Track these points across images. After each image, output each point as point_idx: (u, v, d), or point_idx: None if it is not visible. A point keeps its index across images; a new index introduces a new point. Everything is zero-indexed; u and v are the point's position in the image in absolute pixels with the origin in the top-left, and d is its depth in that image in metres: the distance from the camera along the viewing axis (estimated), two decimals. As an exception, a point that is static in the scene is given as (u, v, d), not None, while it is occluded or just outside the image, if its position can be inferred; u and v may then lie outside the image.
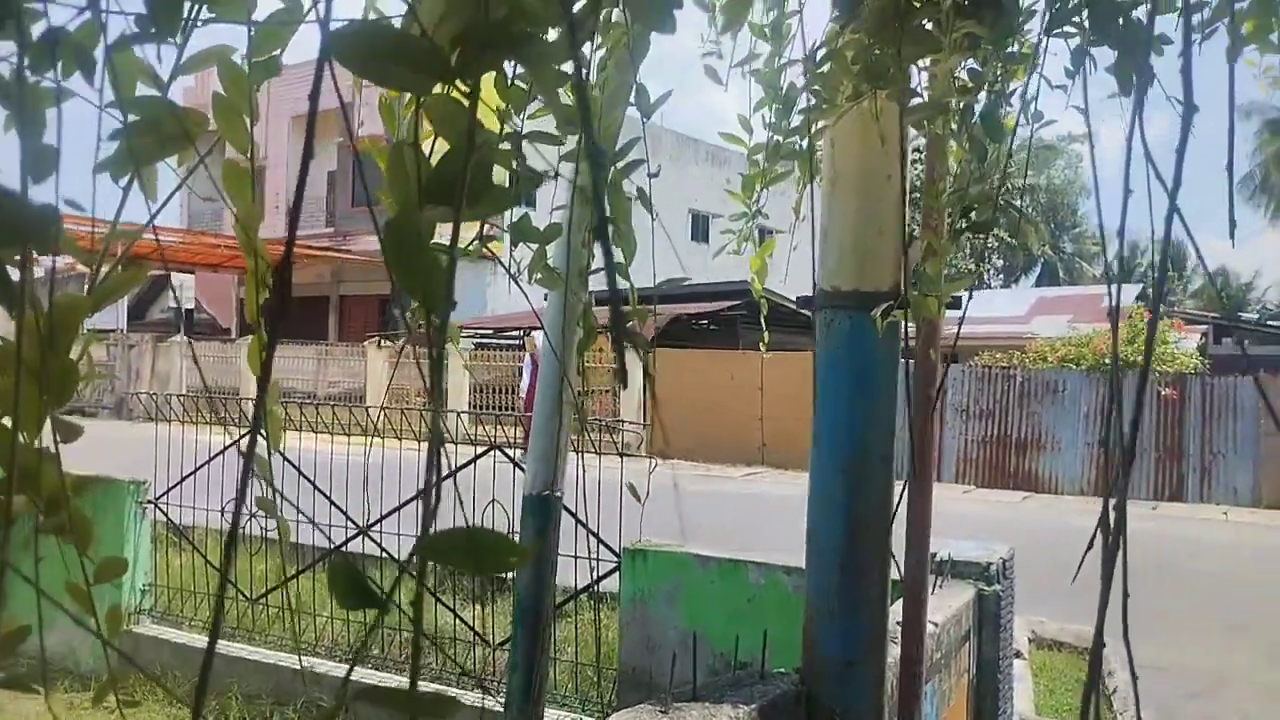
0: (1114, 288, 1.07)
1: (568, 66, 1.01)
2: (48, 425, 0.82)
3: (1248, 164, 36.77)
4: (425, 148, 0.79)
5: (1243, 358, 22.41)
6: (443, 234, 0.75)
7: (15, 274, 0.67)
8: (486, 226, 1.47)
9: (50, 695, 5.24)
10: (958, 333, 2.28)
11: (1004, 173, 1.88)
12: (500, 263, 1.59)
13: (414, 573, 0.62)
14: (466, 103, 0.68)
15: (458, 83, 0.65)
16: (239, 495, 0.67)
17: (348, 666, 5.22)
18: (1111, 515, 0.73)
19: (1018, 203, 2.19)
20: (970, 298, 2.01)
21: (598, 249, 1.83)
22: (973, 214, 1.78)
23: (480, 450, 5.33)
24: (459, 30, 0.71)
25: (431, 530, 0.62)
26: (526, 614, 1.81)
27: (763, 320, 2.68)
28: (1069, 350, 17.55)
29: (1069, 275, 45.11)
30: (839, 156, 2.48)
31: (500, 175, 0.92)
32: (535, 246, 1.58)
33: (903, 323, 2.41)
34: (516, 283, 1.65)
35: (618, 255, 1.67)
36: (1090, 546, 0.78)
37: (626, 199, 1.68)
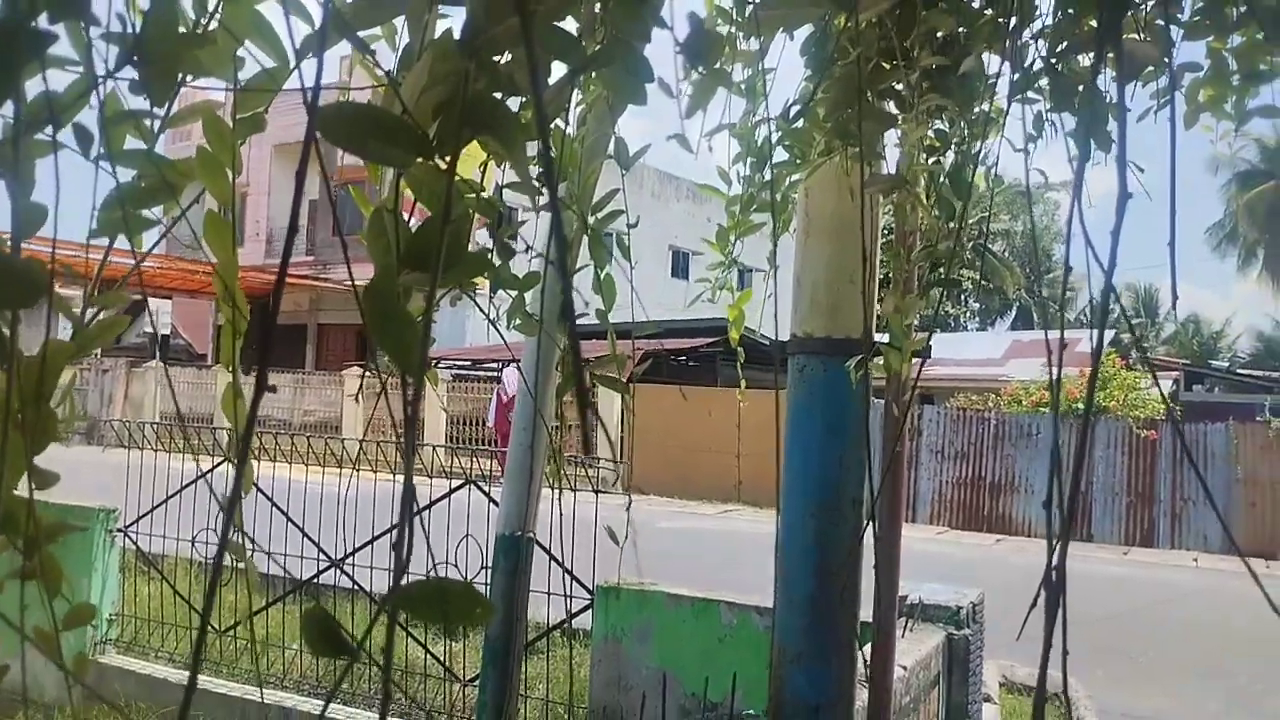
0: (1060, 345, 1.11)
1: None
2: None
3: (1218, 213, 37.50)
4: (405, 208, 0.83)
5: (1211, 405, 22.68)
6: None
7: (4, 329, 0.70)
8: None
9: (11, 727, 5.16)
10: (918, 374, 2.33)
11: (984, 223, 1.93)
12: (480, 308, 1.63)
13: (386, 620, 0.65)
14: (445, 171, 0.72)
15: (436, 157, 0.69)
16: (221, 541, 0.70)
17: (316, 703, 5.17)
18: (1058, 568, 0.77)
19: (994, 247, 2.25)
20: (930, 339, 2.06)
21: (575, 296, 1.87)
22: (941, 269, 1.83)
23: (455, 485, 5.32)
24: (440, 100, 0.75)
25: (404, 580, 0.65)
26: (497, 654, 1.83)
27: (738, 367, 2.73)
28: (1042, 395, 17.73)
29: (1044, 320, 45.54)
30: (813, 206, 2.54)
31: (478, 235, 0.96)
32: (514, 293, 1.62)
33: (869, 376, 2.47)
34: (494, 326, 1.69)
35: (598, 303, 1.71)
36: (1034, 604, 0.81)
37: (605, 248, 1.72)
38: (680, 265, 32.24)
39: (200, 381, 24.03)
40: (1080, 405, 16.36)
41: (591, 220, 1.65)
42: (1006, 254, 40.30)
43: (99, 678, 5.46)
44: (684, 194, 32.48)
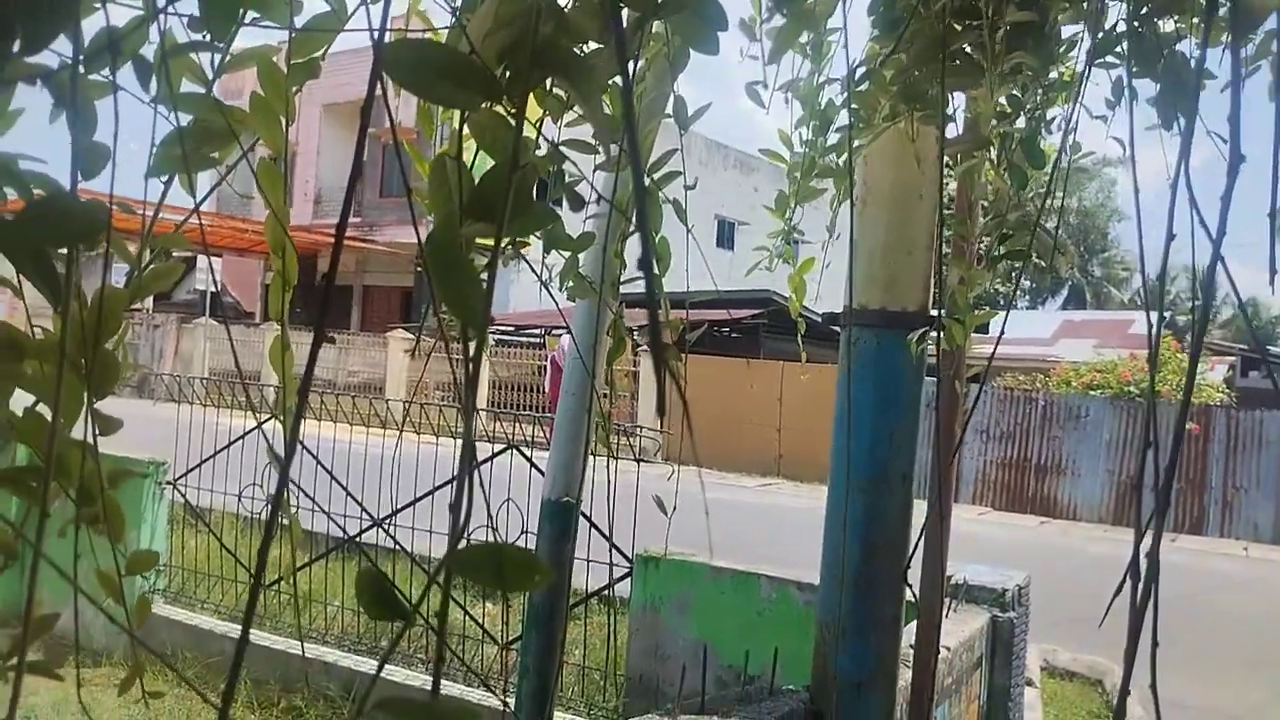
0: (1152, 326, 1.05)
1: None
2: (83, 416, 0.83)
3: (1284, 195, 36.33)
4: (466, 158, 0.79)
5: (1268, 392, 22.13)
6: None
7: (61, 268, 0.67)
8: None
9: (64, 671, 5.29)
10: (991, 358, 2.27)
11: (1044, 199, 1.86)
12: (532, 268, 1.59)
13: (440, 584, 0.62)
14: (512, 120, 0.68)
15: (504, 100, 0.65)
16: (275, 500, 0.67)
17: (356, 658, 5.24)
18: (1143, 562, 0.72)
19: (1049, 224, 2.17)
20: (1005, 322, 1.99)
21: (629, 259, 1.83)
22: (1009, 240, 1.77)
23: (498, 449, 5.33)
24: (506, 44, 0.71)
25: (461, 544, 0.62)
26: (540, 619, 1.81)
27: (798, 339, 2.68)
28: (1093, 376, 17.41)
29: (1096, 299, 44.78)
30: (872, 175, 2.47)
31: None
32: (567, 254, 1.58)
33: (929, 344, 2.40)
34: (547, 289, 1.65)
35: (656, 268, 1.66)
36: (1118, 593, 0.77)
37: (661, 209, 1.68)
38: (726, 235, 32.01)
39: (248, 339, 24.38)
40: (1133, 389, 16.04)
41: (649, 180, 1.60)
42: (1061, 232, 39.48)
43: (147, 627, 5.58)
44: (731, 163, 32.20)
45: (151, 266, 0.93)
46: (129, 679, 0.91)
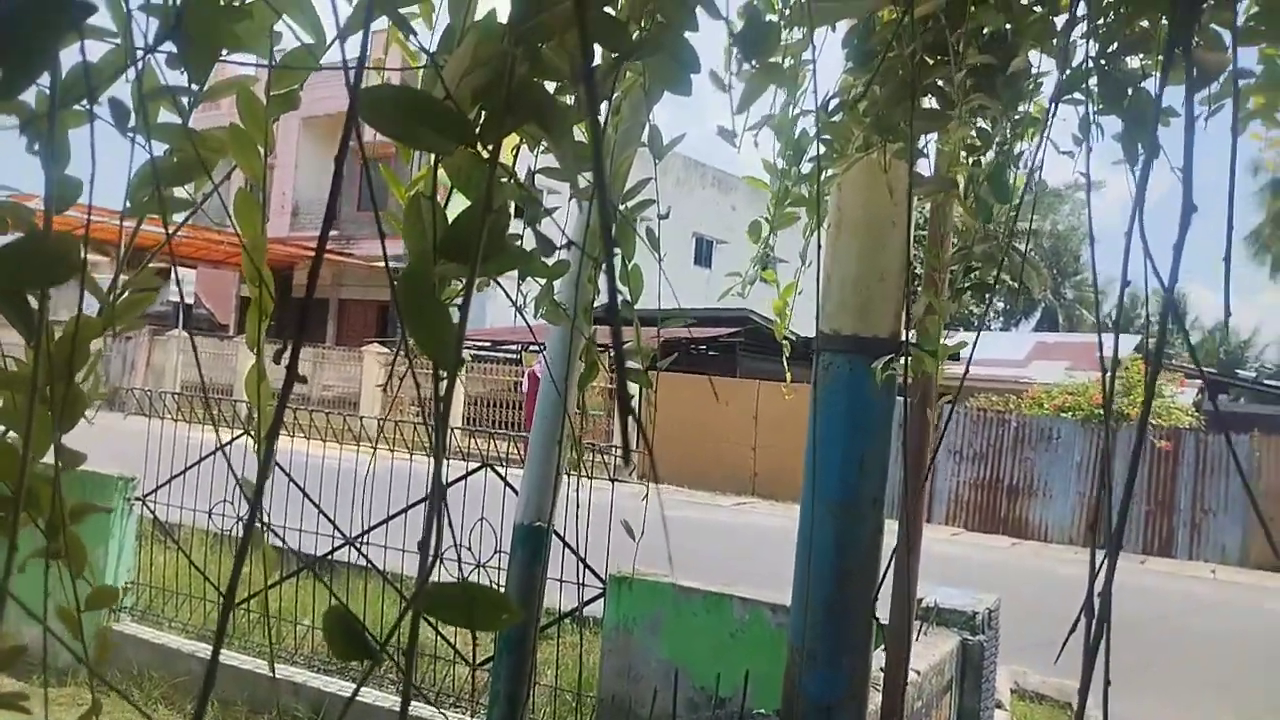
0: (1111, 340, 1.08)
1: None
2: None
3: (1255, 218, 36.92)
4: (440, 195, 0.80)
5: (1236, 415, 22.44)
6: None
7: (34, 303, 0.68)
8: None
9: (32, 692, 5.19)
10: (962, 379, 2.30)
11: (1012, 224, 1.89)
12: (507, 294, 1.60)
13: (409, 620, 0.63)
14: (486, 159, 0.70)
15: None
16: (248, 524, 0.68)
17: (325, 679, 5.19)
18: (1098, 598, 0.74)
19: (1021, 247, 2.20)
20: (976, 344, 2.02)
21: (602, 284, 1.84)
22: (975, 273, 1.80)
23: (472, 467, 5.32)
24: (481, 84, 0.72)
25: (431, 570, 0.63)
26: (511, 644, 1.81)
27: (784, 361, 2.70)
28: (1065, 399, 17.58)
29: (1069, 322, 45.26)
30: (845, 202, 2.50)
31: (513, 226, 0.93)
32: (542, 281, 1.59)
33: (898, 370, 2.43)
34: (521, 314, 1.66)
35: (625, 293, 1.68)
36: (1073, 630, 0.78)
37: (634, 236, 1.69)
38: (703, 253, 32.14)
39: (221, 352, 24.19)
40: (1102, 412, 16.20)
41: (622, 209, 1.62)
42: (1033, 254, 39.97)
43: (114, 647, 5.51)
44: (709, 181, 32.36)
45: (125, 295, 0.93)
46: (88, 716, 0.91)
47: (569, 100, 0.92)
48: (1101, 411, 15.78)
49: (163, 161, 0.85)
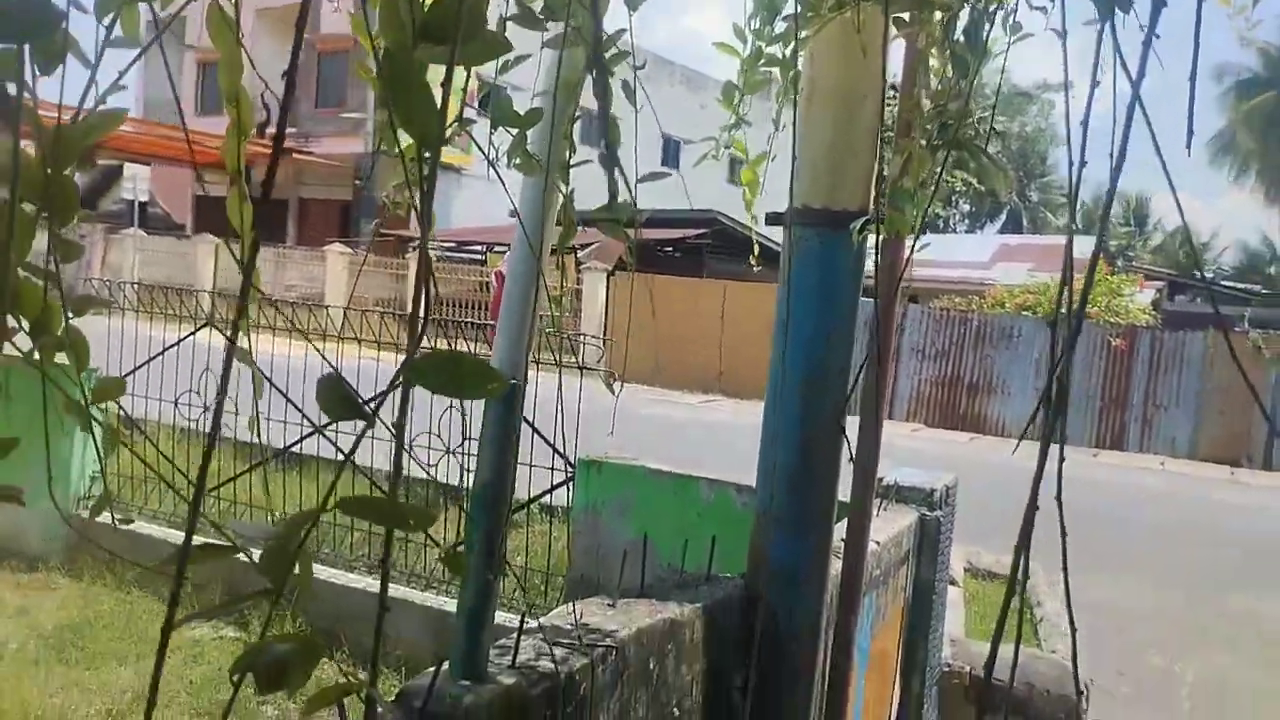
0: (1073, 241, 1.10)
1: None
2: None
3: (1218, 122, 37.03)
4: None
5: (1193, 315, 22.88)
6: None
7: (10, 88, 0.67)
8: (464, 111, 1.47)
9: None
10: (907, 261, 2.32)
11: (981, 121, 1.89)
12: (479, 146, 1.59)
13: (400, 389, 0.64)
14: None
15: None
16: (216, 415, 0.69)
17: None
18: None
19: (987, 147, 2.20)
20: (925, 234, 2.04)
21: (578, 142, 1.83)
22: (947, 130, 1.80)
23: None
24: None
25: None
26: (486, 503, 1.83)
27: (754, 236, 2.70)
28: (1027, 297, 17.82)
29: (1033, 224, 45.50)
30: (817, 71, 2.47)
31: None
32: (515, 132, 1.57)
33: (868, 246, 2.45)
34: (495, 169, 1.65)
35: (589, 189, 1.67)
36: (1032, 505, 0.82)
37: (611, 90, 1.67)
38: (671, 153, 31.71)
39: (179, 251, 23.72)
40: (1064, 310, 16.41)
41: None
42: (1001, 156, 39.90)
43: (84, 535, 5.53)
44: (677, 79, 31.78)
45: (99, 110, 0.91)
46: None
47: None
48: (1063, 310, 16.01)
49: None
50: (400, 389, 0.61)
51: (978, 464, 12.59)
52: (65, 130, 0.77)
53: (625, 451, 4.80)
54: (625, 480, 4.58)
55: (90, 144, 0.89)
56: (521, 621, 1.79)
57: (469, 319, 20.96)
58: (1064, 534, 0.94)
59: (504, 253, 20.52)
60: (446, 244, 23.59)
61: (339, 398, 0.60)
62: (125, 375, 6.04)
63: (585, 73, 1.64)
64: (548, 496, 5.03)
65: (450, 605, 4.57)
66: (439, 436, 5.05)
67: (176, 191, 29.94)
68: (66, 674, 4.29)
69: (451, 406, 4.87)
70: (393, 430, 0.62)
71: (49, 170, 0.72)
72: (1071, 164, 0.91)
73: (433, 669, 1.55)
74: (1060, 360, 0.94)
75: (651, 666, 2.03)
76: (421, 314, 0.62)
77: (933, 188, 1.93)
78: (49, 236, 0.75)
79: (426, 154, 0.65)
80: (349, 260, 23.13)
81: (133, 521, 5.68)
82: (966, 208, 45.72)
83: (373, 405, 0.66)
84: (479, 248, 23.26)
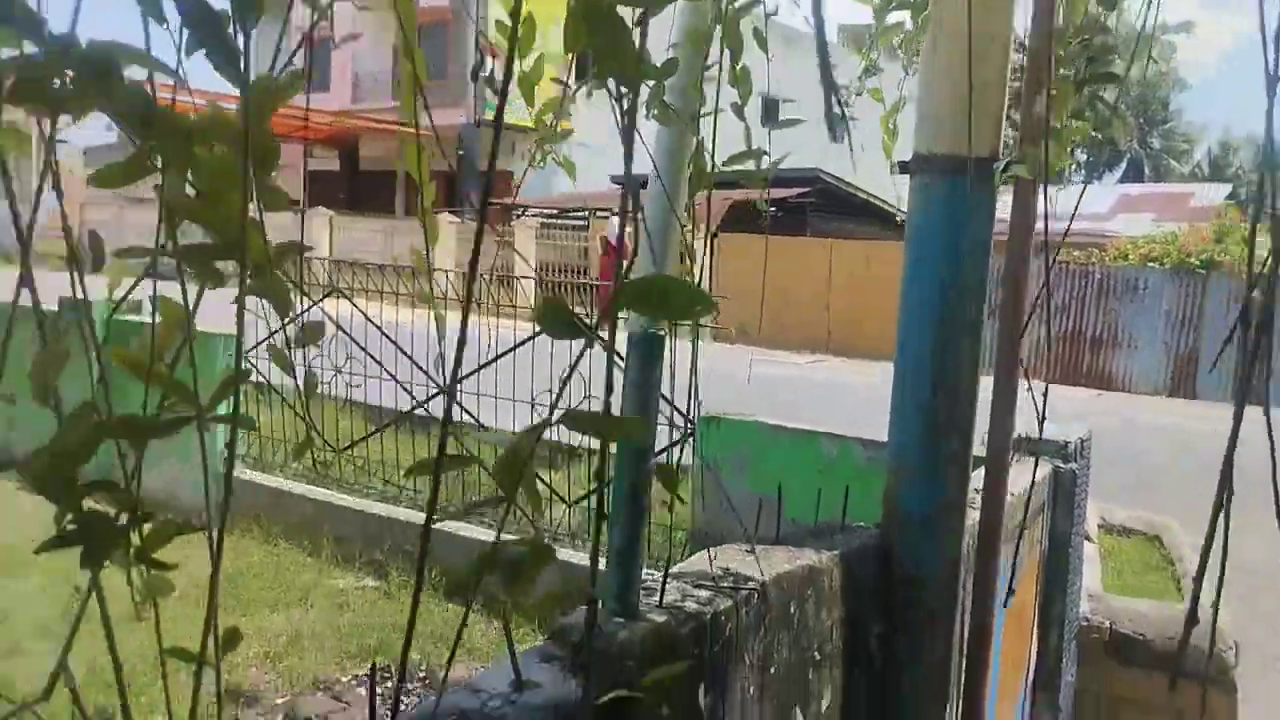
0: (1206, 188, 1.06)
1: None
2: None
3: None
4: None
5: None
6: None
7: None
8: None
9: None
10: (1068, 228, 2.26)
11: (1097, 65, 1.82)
12: (611, 95, 1.61)
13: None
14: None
15: None
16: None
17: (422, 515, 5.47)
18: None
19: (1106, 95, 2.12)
20: (1085, 186, 1.99)
21: (709, 93, 1.84)
22: (1093, 65, 1.75)
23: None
24: None
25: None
26: (630, 454, 1.87)
27: (893, 171, 2.66)
28: (1152, 248, 17.02)
29: (1156, 172, 43.33)
30: (945, 12, 2.42)
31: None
32: (652, 84, 1.59)
33: (995, 196, 2.40)
34: (617, 123, 1.67)
35: (735, 97, 1.69)
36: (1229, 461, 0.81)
37: (741, 37, 1.68)
38: (770, 114, 31.19)
39: (297, 224, 24.47)
40: (1194, 260, 15.67)
41: (729, 9, 1.61)
42: (1119, 102, 37.97)
43: (234, 493, 5.85)
44: (777, 39, 31.15)
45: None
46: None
47: None
48: (1192, 261, 15.26)
49: None
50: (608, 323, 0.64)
51: (1107, 421, 12.17)
52: (261, 82, 0.82)
53: (742, 409, 4.82)
54: (744, 436, 4.61)
55: (284, 100, 0.95)
56: (667, 565, 1.83)
57: (573, 285, 21.20)
58: (1230, 494, 0.93)
59: (606, 218, 20.62)
60: (549, 210, 23.84)
61: (561, 316, 0.64)
62: (261, 341, 6.35)
63: (714, 23, 1.65)
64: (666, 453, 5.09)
65: (578, 559, 4.69)
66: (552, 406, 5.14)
67: (289, 167, 30.93)
68: (223, 619, 4.54)
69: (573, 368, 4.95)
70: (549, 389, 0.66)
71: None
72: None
73: (585, 606, 1.61)
74: (1257, 315, 0.92)
75: (792, 610, 2.06)
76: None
77: (1075, 124, 1.88)
78: (257, 188, 0.81)
79: (626, 94, 0.68)
80: (456, 229, 23.59)
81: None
82: (1083, 157, 43.79)
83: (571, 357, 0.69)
84: (582, 214, 23.42)
